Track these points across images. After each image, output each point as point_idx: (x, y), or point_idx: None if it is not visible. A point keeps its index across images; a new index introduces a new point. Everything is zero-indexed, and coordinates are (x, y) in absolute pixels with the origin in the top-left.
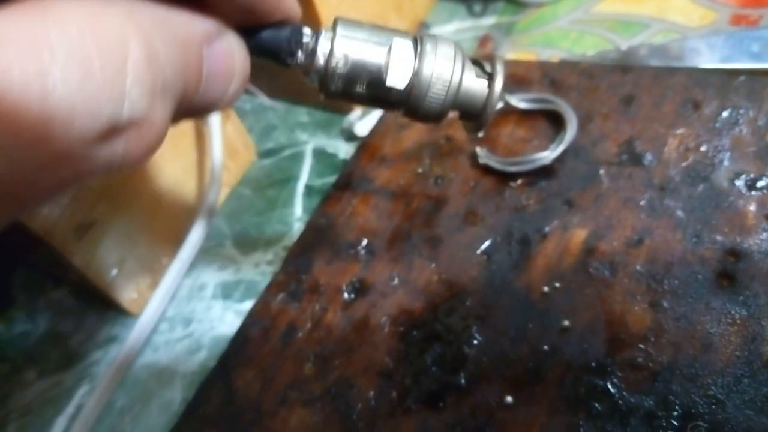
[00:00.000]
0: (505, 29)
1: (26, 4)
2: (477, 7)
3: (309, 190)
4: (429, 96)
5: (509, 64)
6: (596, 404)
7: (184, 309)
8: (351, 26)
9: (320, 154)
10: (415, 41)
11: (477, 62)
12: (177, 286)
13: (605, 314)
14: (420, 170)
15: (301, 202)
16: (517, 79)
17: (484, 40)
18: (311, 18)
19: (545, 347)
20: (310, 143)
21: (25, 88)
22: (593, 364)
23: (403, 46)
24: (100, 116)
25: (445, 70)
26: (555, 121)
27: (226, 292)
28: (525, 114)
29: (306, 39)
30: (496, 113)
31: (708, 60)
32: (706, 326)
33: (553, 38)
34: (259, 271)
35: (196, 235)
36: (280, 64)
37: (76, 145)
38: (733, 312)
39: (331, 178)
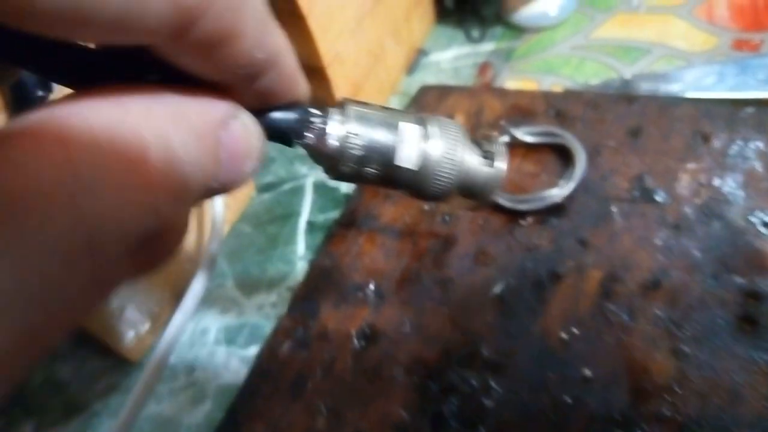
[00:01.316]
0: (504, 55)
1: (43, 119)
2: (475, 33)
3: (311, 226)
4: (437, 176)
5: (513, 95)
6: None
7: (187, 355)
8: (360, 108)
9: (321, 188)
10: (421, 122)
11: (478, 142)
12: (180, 335)
13: (627, 362)
14: (426, 207)
15: (303, 239)
16: (521, 111)
17: (483, 67)
18: (310, 51)
19: (567, 399)
20: (310, 176)
21: (53, 235)
22: (618, 417)
23: (411, 127)
24: (130, 234)
25: (452, 151)
26: (562, 154)
27: (230, 336)
28: (531, 148)
29: (315, 120)
30: (496, 193)
31: (713, 88)
32: (731, 375)
33: (553, 65)
34: (263, 314)
35: (198, 285)
36: (287, 144)
37: (107, 263)
38: (757, 359)
39: (334, 213)
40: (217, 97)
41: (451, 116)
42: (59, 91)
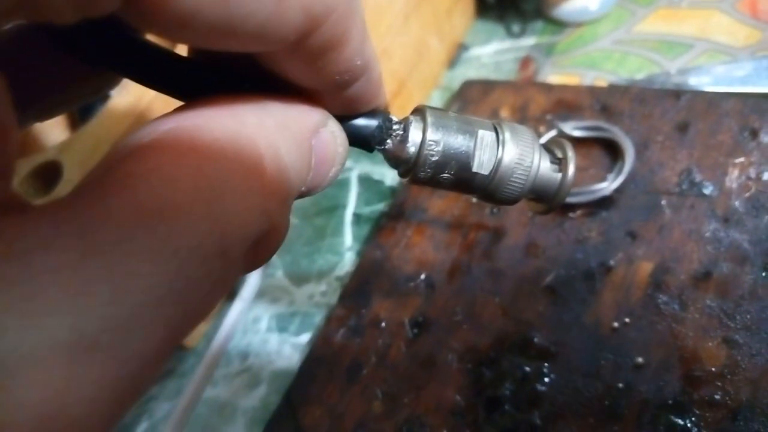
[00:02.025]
0: (545, 50)
1: (171, 131)
2: (515, 28)
3: (357, 218)
4: (510, 181)
5: (558, 90)
6: None
7: (240, 342)
8: (439, 116)
9: (366, 181)
10: (495, 129)
11: (548, 148)
12: (237, 323)
13: (678, 350)
14: (474, 199)
15: (350, 230)
16: (567, 105)
17: (525, 62)
18: None
19: (620, 384)
20: (355, 170)
21: (191, 234)
22: (670, 402)
23: (486, 134)
24: (250, 235)
25: (526, 157)
26: (610, 148)
27: (282, 324)
28: (579, 141)
29: (395, 127)
30: (566, 197)
31: (759, 83)
32: None
33: (595, 59)
34: (314, 303)
35: (254, 277)
36: (367, 149)
37: (232, 262)
38: None
39: (379, 206)
40: (309, 105)
41: (496, 110)
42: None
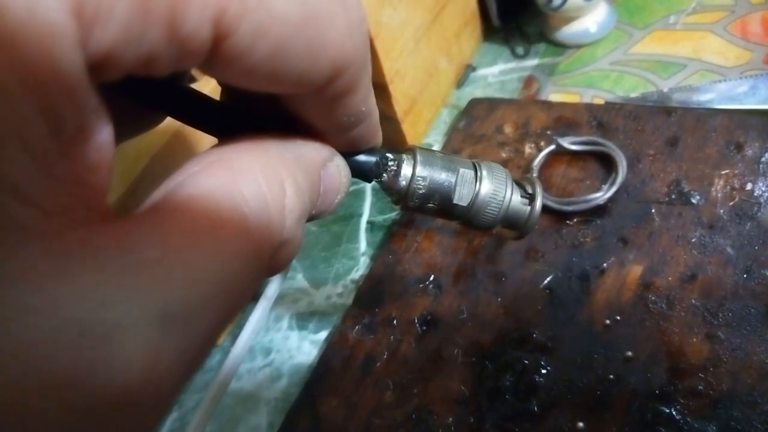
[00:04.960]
0: (547, 70)
1: (215, 162)
2: (520, 50)
3: (371, 225)
4: (485, 212)
5: (558, 107)
6: (662, 429)
7: (263, 339)
8: (426, 155)
9: (379, 192)
10: (474, 167)
11: (520, 184)
12: (261, 322)
13: (665, 345)
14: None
15: (364, 237)
16: (566, 122)
17: (528, 82)
18: (376, 69)
19: (611, 376)
20: None
21: (235, 242)
22: (657, 392)
23: (466, 172)
24: (272, 245)
25: (499, 192)
26: (604, 161)
27: (301, 323)
28: (576, 155)
29: (390, 164)
30: (535, 226)
31: (747, 101)
32: (761, 357)
33: (594, 79)
34: (331, 303)
35: (277, 280)
36: (366, 181)
37: (265, 266)
38: None
39: (392, 214)
40: (320, 143)
41: (500, 127)
42: None
